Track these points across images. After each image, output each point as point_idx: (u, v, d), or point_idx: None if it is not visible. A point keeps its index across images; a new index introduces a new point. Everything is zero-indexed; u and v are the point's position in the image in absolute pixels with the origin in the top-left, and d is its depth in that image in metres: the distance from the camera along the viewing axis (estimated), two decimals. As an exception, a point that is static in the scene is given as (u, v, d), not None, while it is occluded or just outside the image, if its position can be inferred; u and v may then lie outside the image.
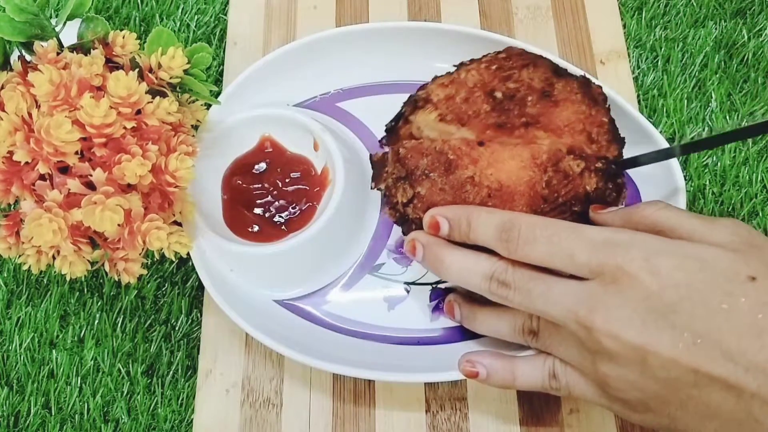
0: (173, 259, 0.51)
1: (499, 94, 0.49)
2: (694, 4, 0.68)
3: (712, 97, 0.64)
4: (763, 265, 0.38)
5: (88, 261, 0.49)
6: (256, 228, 0.55)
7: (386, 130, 0.53)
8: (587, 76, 0.51)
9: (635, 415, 0.41)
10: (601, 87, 0.51)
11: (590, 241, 0.41)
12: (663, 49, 0.66)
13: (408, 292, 0.55)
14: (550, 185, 0.46)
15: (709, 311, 0.37)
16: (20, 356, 0.55)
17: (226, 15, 0.69)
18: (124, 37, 0.51)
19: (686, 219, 0.42)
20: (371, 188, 0.51)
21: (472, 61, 0.52)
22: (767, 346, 0.36)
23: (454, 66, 0.52)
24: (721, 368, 0.36)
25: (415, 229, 0.48)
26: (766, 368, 0.36)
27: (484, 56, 0.52)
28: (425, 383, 0.53)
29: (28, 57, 0.50)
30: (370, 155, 0.53)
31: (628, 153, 0.57)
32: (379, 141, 0.56)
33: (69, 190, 0.47)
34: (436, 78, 0.52)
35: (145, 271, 0.52)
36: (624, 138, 0.50)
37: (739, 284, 0.38)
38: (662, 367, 0.38)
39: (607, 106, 0.50)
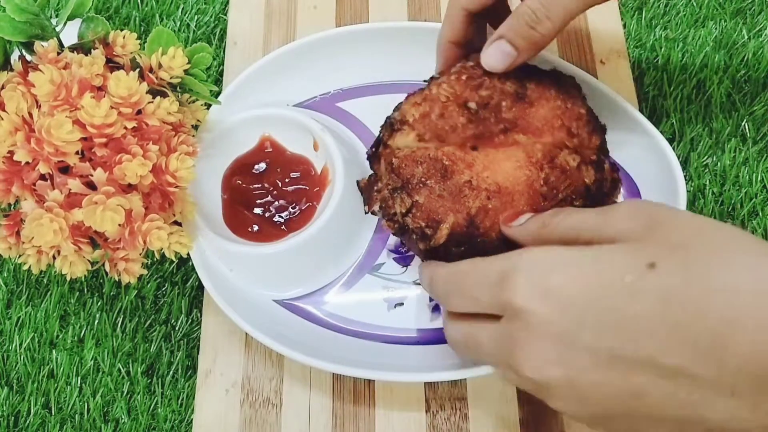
0: (173, 259, 0.51)
1: (473, 105, 0.48)
2: (694, 4, 0.68)
3: (712, 97, 0.64)
4: (662, 245, 0.35)
5: (89, 261, 0.49)
6: (255, 228, 0.55)
7: (368, 158, 0.52)
8: (556, 68, 0.51)
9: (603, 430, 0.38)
10: (573, 78, 0.50)
11: (486, 278, 0.39)
12: (663, 49, 0.66)
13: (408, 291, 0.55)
14: (548, 182, 0.45)
15: (616, 317, 0.34)
16: (20, 356, 0.56)
17: (226, 15, 0.69)
18: (124, 37, 0.51)
19: (586, 220, 0.40)
20: (365, 213, 0.51)
21: (441, 74, 0.51)
22: (687, 340, 0.33)
23: (425, 81, 0.51)
24: (648, 374, 0.34)
25: (416, 239, 0.47)
26: (693, 362, 0.33)
27: (452, 68, 0.51)
28: (425, 383, 0.53)
29: (28, 57, 0.50)
30: (357, 182, 0.52)
31: (628, 154, 0.57)
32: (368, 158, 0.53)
33: (70, 190, 0.47)
34: (408, 96, 0.50)
35: (145, 271, 0.52)
36: (605, 125, 0.49)
37: (639, 277, 0.34)
38: (595, 390, 0.35)
39: (582, 95, 0.49)
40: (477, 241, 0.45)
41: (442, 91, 0.48)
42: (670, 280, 0.34)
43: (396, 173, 0.47)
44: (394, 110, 0.50)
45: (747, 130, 0.62)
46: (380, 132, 0.51)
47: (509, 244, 0.44)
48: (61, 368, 0.55)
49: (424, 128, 0.48)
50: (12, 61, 0.51)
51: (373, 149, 0.51)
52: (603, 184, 0.47)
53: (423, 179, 0.46)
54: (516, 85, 0.48)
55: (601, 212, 0.39)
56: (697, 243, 0.35)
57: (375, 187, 0.49)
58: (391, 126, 0.50)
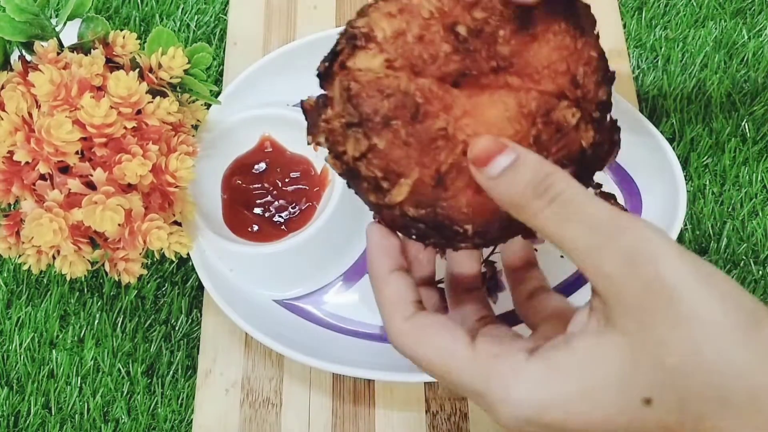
0: (173, 259, 0.51)
1: (462, 30, 0.37)
2: (694, 4, 0.68)
3: (712, 97, 0.64)
4: (655, 383, 0.29)
5: (89, 261, 0.49)
6: (255, 228, 0.55)
7: (318, 76, 0.39)
8: None
9: None
10: (588, 6, 0.41)
11: (459, 389, 0.32)
12: (663, 49, 0.66)
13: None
14: (539, 141, 0.36)
15: None
16: (20, 356, 0.55)
17: (226, 15, 0.69)
18: (124, 37, 0.51)
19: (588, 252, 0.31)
20: (308, 143, 0.39)
21: None
22: None
23: None
24: None
25: (367, 188, 0.37)
26: None
27: None
28: (425, 383, 0.53)
29: (28, 57, 0.50)
30: (301, 102, 0.40)
31: (628, 154, 0.57)
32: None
33: (69, 190, 0.47)
34: (379, 0, 0.38)
35: (145, 271, 0.52)
36: (614, 73, 0.40)
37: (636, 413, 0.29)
38: None
39: (596, 32, 0.40)
40: (442, 205, 0.36)
41: (425, 3, 0.37)
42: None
43: (353, 104, 0.36)
44: (358, 15, 0.38)
45: (747, 130, 0.62)
46: (337, 42, 0.39)
47: (480, 216, 0.36)
48: (61, 368, 0.55)
49: (395, 51, 0.37)
50: (12, 61, 0.51)
51: (327, 64, 0.39)
52: (601, 148, 0.39)
53: (387, 117, 0.35)
54: (519, 9, 0.38)
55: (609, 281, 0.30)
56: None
57: (323, 114, 0.38)
58: (353, 39, 0.38)
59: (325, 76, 0.40)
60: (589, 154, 0.38)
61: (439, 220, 0.35)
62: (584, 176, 0.38)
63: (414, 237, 0.36)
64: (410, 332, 0.33)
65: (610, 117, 0.39)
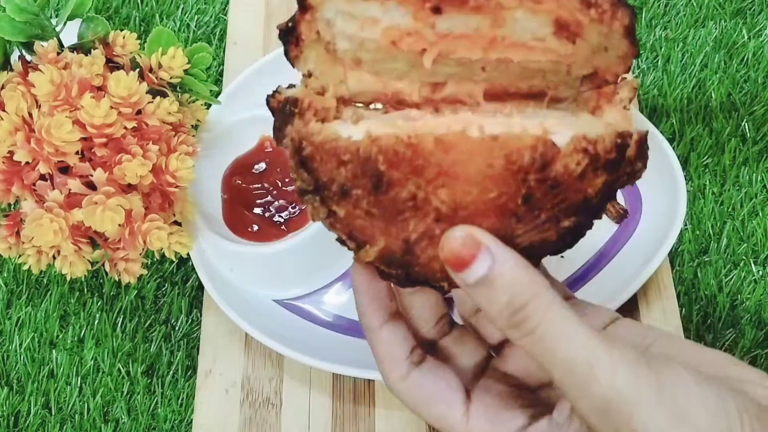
0: (173, 259, 0.51)
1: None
2: (694, 4, 0.68)
3: (712, 97, 0.64)
4: None
5: (89, 261, 0.49)
6: (255, 228, 0.55)
7: (281, 36, 0.33)
8: None
9: None
10: None
11: None
12: (663, 49, 0.66)
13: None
14: (530, 200, 0.30)
15: None
16: (20, 356, 0.55)
17: (226, 15, 0.69)
18: (124, 37, 0.51)
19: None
20: (276, 146, 0.35)
21: None
22: None
23: None
24: None
25: (337, 237, 0.33)
26: None
27: None
28: (425, 383, 0.53)
29: (28, 57, 0.50)
30: (268, 98, 0.33)
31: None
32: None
33: (70, 190, 0.47)
34: None
35: (145, 271, 0.52)
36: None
37: None
38: None
39: None
40: (414, 269, 0.32)
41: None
42: None
43: (307, 169, 0.31)
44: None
45: (747, 130, 0.62)
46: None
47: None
48: (61, 368, 0.55)
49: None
50: (12, 61, 0.51)
51: (290, 24, 0.33)
52: (614, 185, 0.32)
53: (345, 187, 0.30)
54: None
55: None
56: None
57: (289, 126, 0.32)
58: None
59: (287, 33, 0.33)
60: (594, 202, 0.31)
61: (414, 278, 0.32)
62: (588, 222, 0.32)
63: (395, 283, 0.33)
64: (407, 393, 0.33)
65: (639, 144, 0.33)
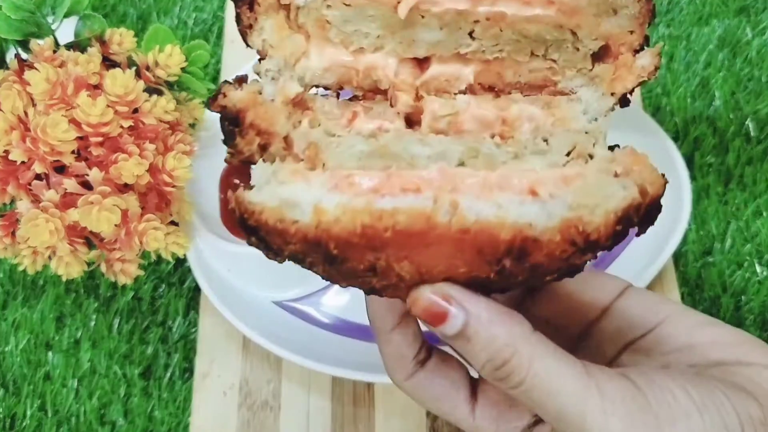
0: (170, 259, 0.51)
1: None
2: (698, 2, 0.67)
3: (715, 96, 0.63)
4: None
5: (85, 262, 0.49)
6: (254, 228, 0.55)
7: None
8: None
9: None
10: None
11: None
12: (667, 47, 0.65)
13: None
14: (503, 273, 0.27)
15: None
16: (16, 358, 0.55)
17: (223, 12, 0.68)
18: (121, 35, 0.51)
19: None
20: (224, 160, 0.30)
21: None
22: None
23: None
24: None
25: None
26: None
27: None
28: (426, 385, 0.53)
29: (24, 55, 0.50)
30: (208, 101, 0.31)
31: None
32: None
33: (65, 189, 0.46)
34: None
35: (141, 272, 0.51)
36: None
37: None
38: None
39: None
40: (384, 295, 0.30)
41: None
42: None
43: (255, 236, 0.28)
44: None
45: (751, 129, 0.62)
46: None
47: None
48: (57, 370, 0.55)
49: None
50: (7, 59, 0.50)
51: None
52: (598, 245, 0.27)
53: (298, 256, 0.28)
54: None
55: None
56: None
57: (230, 134, 0.29)
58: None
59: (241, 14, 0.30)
60: (580, 268, 0.28)
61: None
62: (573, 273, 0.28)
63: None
64: (412, 390, 0.33)
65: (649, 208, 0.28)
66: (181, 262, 0.57)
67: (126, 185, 0.47)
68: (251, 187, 0.27)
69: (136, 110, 0.48)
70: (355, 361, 0.50)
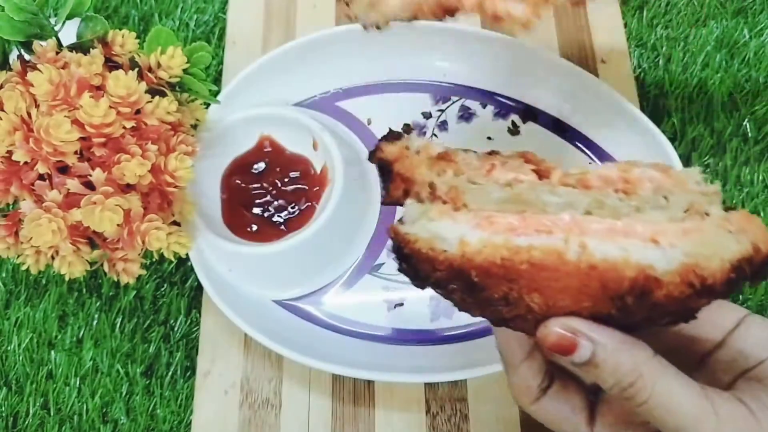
0: (172, 259, 0.51)
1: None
2: (695, 4, 0.68)
3: (713, 97, 0.63)
4: None
5: (87, 261, 0.49)
6: (255, 228, 0.55)
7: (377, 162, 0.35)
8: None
9: None
10: None
11: None
12: (664, 48, 0.66)
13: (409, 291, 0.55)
14: (625, 310, 0.30)
15: None
16: (19, 357, 0.55)
17: (225, 14, 0.68)
18: (123, 37, 0.51)
19: None
20: (381, 203, 0.37)
21: None
22: None
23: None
24: None
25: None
26: None
27: None
28: (425, 384, 0.53)
29: (27, 56, 0.50)
30: (370, 153, 0.36)
31: (629, 154, 0.57)
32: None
33: (68, 190, 0.46)
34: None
35: (144, 272, 0.51)
36: None
37: None
38: None
39: None
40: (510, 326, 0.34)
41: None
42: None
43: (406, 262, 0.33)
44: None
45: (748, 130, 0.62)
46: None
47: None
48: (60, 369, 0.55)
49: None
50: (11, 61, 0.50)
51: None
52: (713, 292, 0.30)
53: (441, 282, 0.32)
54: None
55: None
56: None
57: (390, 171, 0.35)
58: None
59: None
60: (696, 313, 0.31)
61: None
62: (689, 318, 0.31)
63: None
64: (536, 413, 0.36)
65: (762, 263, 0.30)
66: (182, 262, 0.58)
67: (128, 185, 0.47)
68: (402, 222, 0.32)
69: (138, 111, 0.48)
70: (355, 360, 0.51)
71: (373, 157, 0.35)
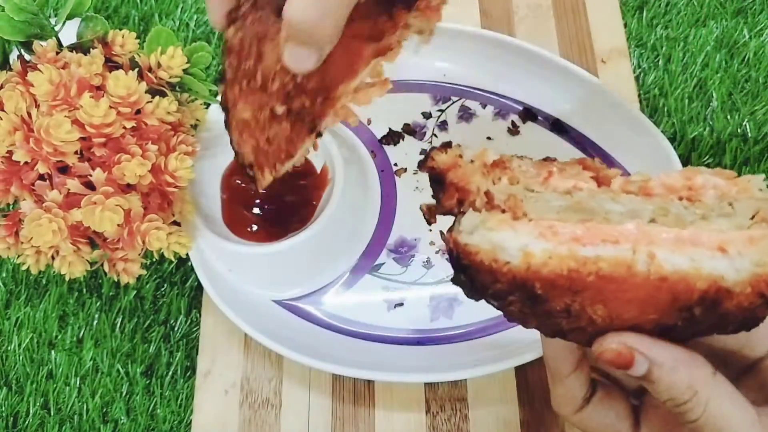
0: (172, 259, 0.51)
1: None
2: (695, 4, 0.68)
3: (713, 97, 0.63)
4: None
5: (87, 261, 0.49)
6: (255, 228, 0.55)
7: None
8: None
9: None
10: None
11: None
12: (664, 49, 0.66)
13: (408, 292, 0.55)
14: (691, 321, 0.30)
15: None
16: (19, 356, 0.55)
17: (225, 14, 0.68)
18: (123, 37, 0.51)
19: None
20: (431, 212, 0.34)
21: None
22: None
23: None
24: None
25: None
26: None
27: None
28: (425, 383, 0.53)
29: (27, 56, 0.50)
30: (420, 162, 0.35)
31: (629, 154, 0.57)
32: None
33: (68, 190, 0.47)
34: None
35: (144, 272, 0.51)
36: None
37: None
38: None
39: None
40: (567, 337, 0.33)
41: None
42: None
43: (463, 273, 0.31)
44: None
45: (748, 130, 0.62)
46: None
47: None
48: (60, 369, 0.55)
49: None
50: (11, 61, 0.50)
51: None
52: None
53: (500, 294, 0.31)
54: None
55: None
56: None
57: (438, 181, 0.34)
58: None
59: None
60: (751, 323, 0.31)
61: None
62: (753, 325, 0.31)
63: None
64: (578, 422, 0.36)
65: None
66: (183, 262, 0.58)
67: (129, 185, 0.47)
68: (459, 232, 0.31)
69: (138, 111, 0.48)
70: (355, 359, 0.51)
71: (424, 166, 0.34)
